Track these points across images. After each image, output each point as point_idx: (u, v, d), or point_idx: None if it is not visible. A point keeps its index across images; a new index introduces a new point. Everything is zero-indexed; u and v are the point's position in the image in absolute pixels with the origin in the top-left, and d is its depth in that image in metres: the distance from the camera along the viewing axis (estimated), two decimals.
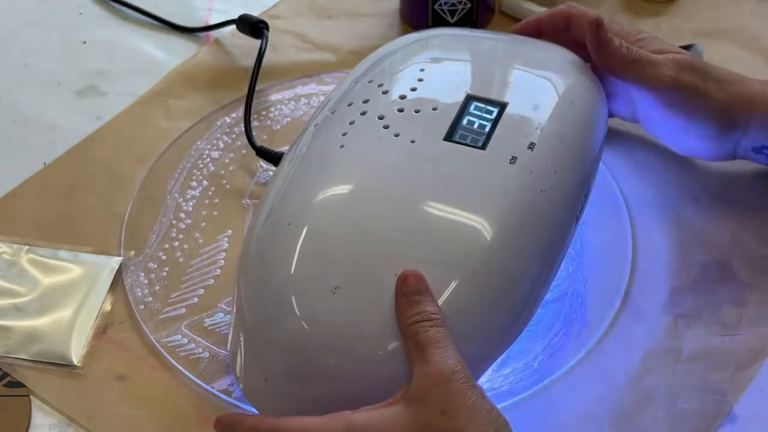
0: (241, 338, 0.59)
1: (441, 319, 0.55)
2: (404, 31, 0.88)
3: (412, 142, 0.62)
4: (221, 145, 0.80)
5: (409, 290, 0.55)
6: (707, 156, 0.74)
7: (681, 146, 0.75)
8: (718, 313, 0.67)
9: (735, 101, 0.69)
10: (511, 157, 0.61)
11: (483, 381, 0.60)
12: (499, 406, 0.62)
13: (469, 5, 0.87)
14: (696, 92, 0.69)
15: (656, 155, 0.76)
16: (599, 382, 0.64)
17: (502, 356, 0.61)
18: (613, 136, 0.71)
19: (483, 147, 0.61)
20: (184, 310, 0.69)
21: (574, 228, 0.64)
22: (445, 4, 0.86)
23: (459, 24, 0.87)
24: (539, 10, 0.86)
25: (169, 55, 0.88)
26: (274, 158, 0.76)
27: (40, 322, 0.67)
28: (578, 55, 0.71)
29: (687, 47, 0.81)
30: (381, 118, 0.63)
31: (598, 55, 0.70)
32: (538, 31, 0.75)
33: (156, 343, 0.67)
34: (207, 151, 0.79)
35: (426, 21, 0.88)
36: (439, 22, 0.87)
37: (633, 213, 0.73)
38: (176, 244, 0.73)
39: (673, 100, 0.70)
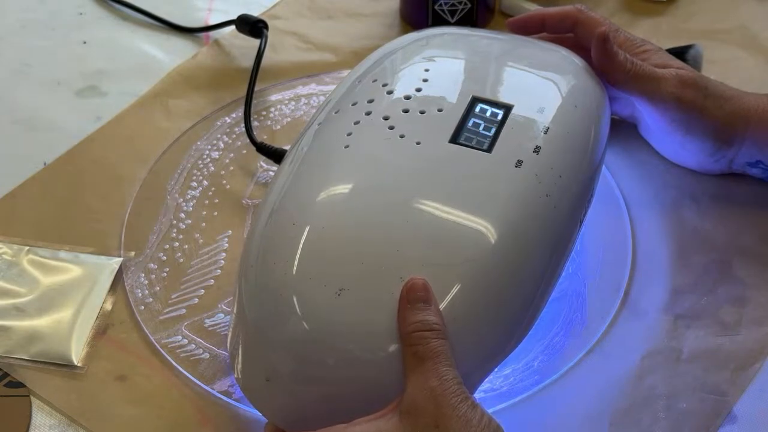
0: (243, 338, 0.59)
1: (443, 331, 0.54)
2: (404, 31, 0.88)
3: (418, 143, 0.62)
4: (221, 145, 0.80)
5: (415, 297, 0.55)
6: (702, 169, 0.74)
7: (676, 158, 0.75)
8: (718, 313, 0.67)
9: (731, 119, 0.70)
10: (516, 161, 0.61)
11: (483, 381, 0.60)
12: (499, 407, 0.62)
13: (469, 5, 0.87)
14: (695, 110, 0.70)
15: (656, 155, 0.77)
16: (599, 382, 0.64)
17: None
18: (613, 136, 0.71)
19: (488, 150, 0.61)
20: (184, 310, 0.69)
21: (578, 232, 0.64)
22: (445, 4, 0.86)
23: (459, 24, 0.87)
24: None
25: (169, 55, 0.88)
26: (274, 155, 0.76)
27: (40, 322, 0.67)
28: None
29: (687, 47, 0.81)
30: (386, 118, 0.63)
31: (603, 67, 0.70)
32: (541, 26, 0.75)
33: (156, 344, 0.67)
34: (207, 152, 0.79)
35: (426, 21, 0.88)
36: (439, 22, 0.87)
37: (633, 213, 0.73)
38: (176, 244, 0.73)
39: (674, 116, 0.70)
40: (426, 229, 0.57)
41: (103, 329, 0.68)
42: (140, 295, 0.69)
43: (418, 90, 0.65)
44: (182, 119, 0.82)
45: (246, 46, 0.87)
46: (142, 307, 0.69)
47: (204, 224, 0.74)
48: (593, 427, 0.62)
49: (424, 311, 0.54)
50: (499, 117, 0.63)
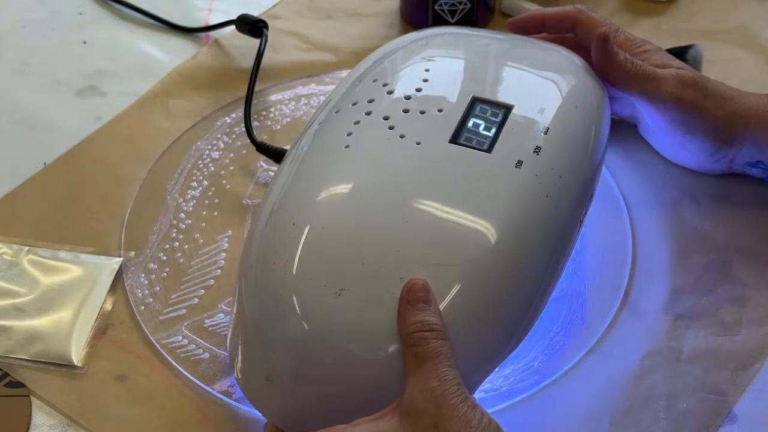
0: (243, 338, 0.59)
1: (443, 331, 0.54)
2: (404, 31, 0.88)
3: (418, 143, 0.61)
4: (221, 145, 0.80)
5: (415, 297, 0.55)
6: (702, 169, 0.74)
7: (676, 158, 0.75)
8: (718, 313, 0.67)
9: (731, 119, 0.70)
10: (516, 161, 0.61)
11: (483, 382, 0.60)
12: (499, 407, 0.62)
13: (469, 5, 0.87)
14: (695, 110, 0.70)
15: (656, 155, 0.77)
16: (599, 382, 0.64)
17: None
18: (613, 136, 0.71)
19: (488, 150, 0.61)
20: (184, 310, 0.69)
21: (578, 232, 0.64)
22: (445, 4, 0.86)
23: (459, 24, 0.87)
24: None
25: (169, 55, 0.88)
26: (274, 154, 0.76)
27: (40, 322, 0.67)
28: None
29: (687, 47, 0.81)
30: (386, 118, 0.63)
31: (603, 67, 0.70)
32: (541, 26, 0.75)
33: (156, 344, 0.67)
34: (207, 152, 0.79)
35: (426, 21, 0.88)
36: (439, 22, 0.87)
37: (633, 213, 0.73)
38: (176, 244, 0.73)
39: (674, 116, 0.70)
40: (426, 230, 0.57)
41: (103, 329, 0.68)
42: (140, 295, 0.69)
43: (419, 90, 0.65)
44: (182, 119, 0.82)
45: (246, 46, 0.87)
46: (142, 307, 0.69)
47: (204, 224, 0.74)
48: (593, 427, 0.62)
49: (424, 312, 0.54)
50: (499, 117, 0.63)
